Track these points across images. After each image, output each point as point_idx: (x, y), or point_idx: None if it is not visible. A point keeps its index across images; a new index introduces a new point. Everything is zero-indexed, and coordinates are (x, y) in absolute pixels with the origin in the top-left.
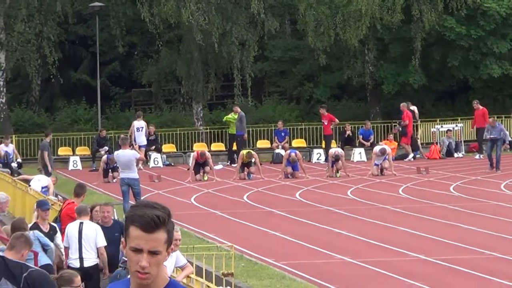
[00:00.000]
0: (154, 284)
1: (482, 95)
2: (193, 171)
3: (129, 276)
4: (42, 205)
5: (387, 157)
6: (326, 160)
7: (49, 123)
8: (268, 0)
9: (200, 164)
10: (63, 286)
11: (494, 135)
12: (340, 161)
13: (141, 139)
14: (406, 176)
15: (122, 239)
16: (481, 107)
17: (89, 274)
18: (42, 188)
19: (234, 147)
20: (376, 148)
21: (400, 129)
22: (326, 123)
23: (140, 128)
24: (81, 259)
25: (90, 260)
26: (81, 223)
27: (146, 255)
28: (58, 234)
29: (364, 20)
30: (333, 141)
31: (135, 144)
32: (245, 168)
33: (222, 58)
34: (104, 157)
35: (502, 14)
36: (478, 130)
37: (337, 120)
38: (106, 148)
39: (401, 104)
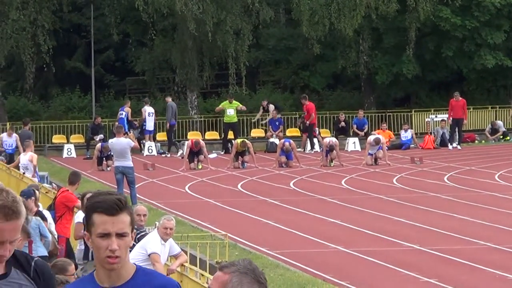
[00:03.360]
0: (124, 270)
1: (476, 85)
2: (187, 160)
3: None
4: (24, 194)
5: (381, 146)
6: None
7: (43, 111)
8: None
9: (195, 153)
10: (56, 274)
11: None
12: (334, 151)
13: (151, 124)
14: (400, 166)
15: (85, 232)
16: (461, 98)
17: None
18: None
19: (229, 136)
20: (370, 138)
21: (304, 121)
22: (307, 113)
23: (151, 113)
24: None
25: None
26: None
27: (115, 238)
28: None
29: (359, 10)
30: (327, 130)
31: (130, 133)
32: (239, 157)
33: (217, 47)
34: (98, 145)
35: (496, 5)
36: (457, 121)
37: (313, 114)
38: (101, 136)
39: (302, 96)
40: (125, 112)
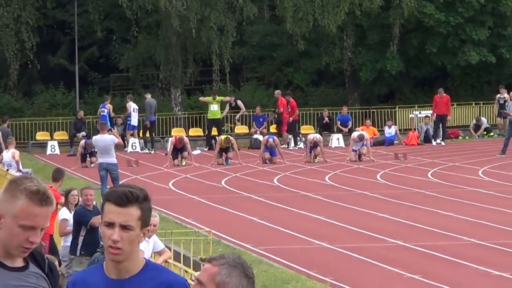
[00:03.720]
0: (131, 264)
1: (460, 81)
2: (171, 156)
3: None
4: None
5: (365, 143)
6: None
7: (27, 108)
8: None
9: (178, 149)
10: None
11: None
12: (318, 147)
13: (135, 120)
14: (384, 162)
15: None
16: (445, 94)
17: None
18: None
19: (213, 132)
20: (354, 134)
21: (276, 116)
22: (290, 110)
23: (135, 109)
24: None
25: None
26: None
27: (118, 229)
28: None
29: (343, 6)
30: (311, 126)
31: (113, 129)
32: (223, 153)
33: (201, 43)
34: (82, 142)
35: (480, 1)
36: (441, 118)
37: (281, 109)
38: (84, 133)
39: (276, 92)
40: (106, 109)
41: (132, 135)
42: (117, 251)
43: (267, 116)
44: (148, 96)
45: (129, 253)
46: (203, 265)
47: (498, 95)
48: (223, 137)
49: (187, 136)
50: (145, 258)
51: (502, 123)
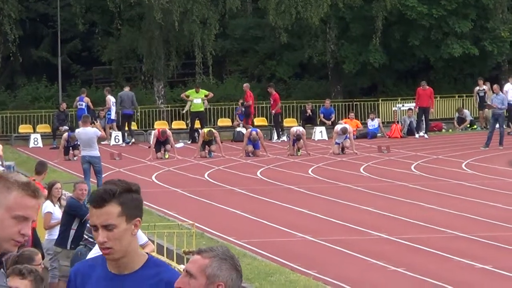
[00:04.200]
0: (130, 260)
1: (443, 74)
2: (154, 149)
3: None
4: None
5: (348, 135)
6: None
7: (10, 101)
8: None
9: (161, 142)
10: (24, 264)
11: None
12: (301, 140)
13: (114, 113)
14: (367, 155)
15: None
16: (427, 87)
17: None
18: None
19: (196, 125)
20: (337, 127)
21: (243, 109)
22: (272, 102)
23: (114, 103)
24: None
25: None
26: None
27: (101, 230)
28: None
29: None
30: (294, 119)
31: (96, 122)
32: (206, 146)
33: (183, 36)
34: (65, 134)
35: None
36: (424, 110)
37: (250, 102)
38: (66, 127)
39: (244, 85)
40: (84, 102)
41: (111, 128)
42: (107, 250)
43: (240, 108)
44: (126, 89)
45: (122, 249)
46: (192, 256)
47: (477, 88)
48: (206, 130)
49: (170, 129)
50: (147, 254)
51: (484, 116)
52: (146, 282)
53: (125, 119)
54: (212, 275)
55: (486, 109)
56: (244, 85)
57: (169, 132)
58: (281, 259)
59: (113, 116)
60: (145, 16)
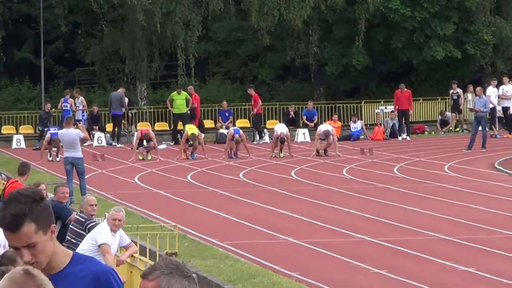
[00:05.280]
0: (54, 261)
1: (426, 77)
2: (137, 151)
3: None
4: None
5: (332, 137)
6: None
7: None
8: None
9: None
10: (6, 265)
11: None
12: (285, 143)
13: (80, 114)
14: (350, 157)
15: None
16: (406, 89)
17: None
18: None
19: (179, 127)
20: (320, 129)
21: (189, 112)
22: (253, 103)
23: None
24: None
25: None
26: None
27: (24, 250)
28: None
29: (308, 1)
30: (277, 121)
31: (80, 123)
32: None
33: (166, 37)
34: (47, 135)
35: None
36: (403, 113)
37: (195, 104)
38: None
39: (188, 88)
40: (69, 103)
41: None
42: (35, 265)
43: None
44: (120, 90)
45: (48, 257)
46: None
47: (451, 91)
48: (189, 132)
49: (153, 131)
50: (72, 250)
51: (458, 118)
52: (72, 279)
53: (113, 119)
54: None
55: (460, 113)
56: (189, 87)
57: (152, 133)
58: (264, 261)
59: (80, 116)
60: (128, 17)
